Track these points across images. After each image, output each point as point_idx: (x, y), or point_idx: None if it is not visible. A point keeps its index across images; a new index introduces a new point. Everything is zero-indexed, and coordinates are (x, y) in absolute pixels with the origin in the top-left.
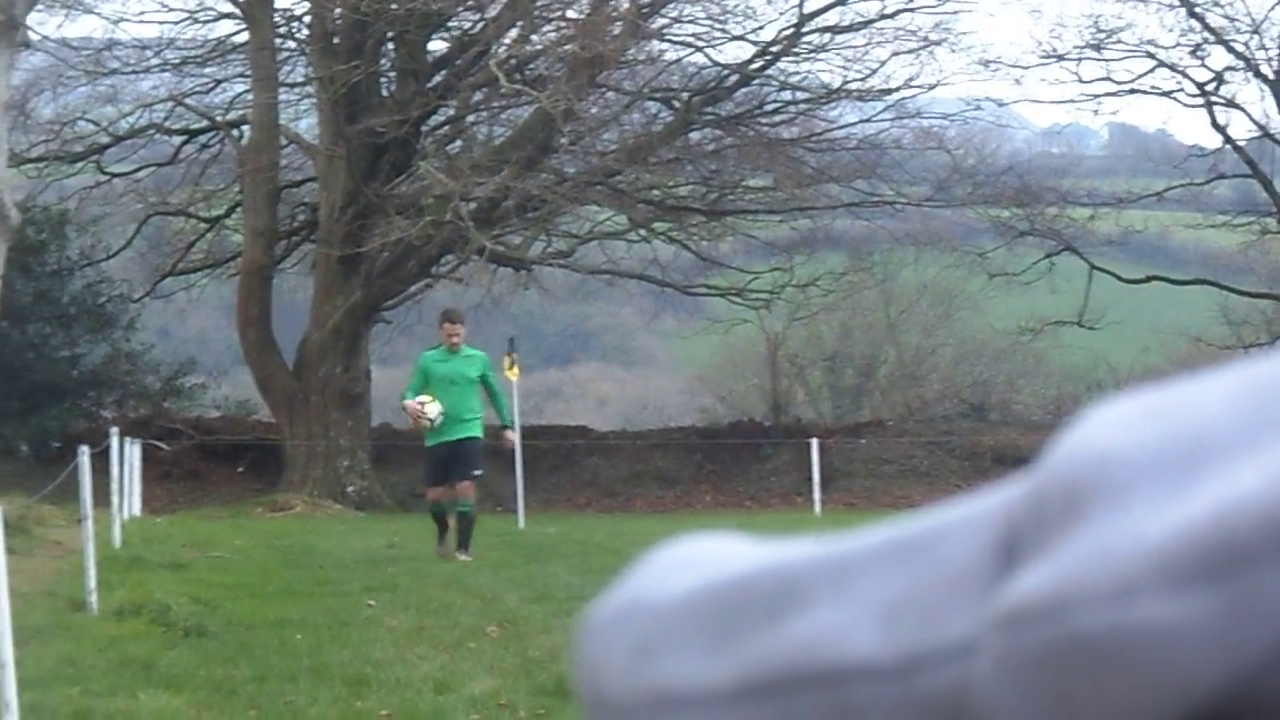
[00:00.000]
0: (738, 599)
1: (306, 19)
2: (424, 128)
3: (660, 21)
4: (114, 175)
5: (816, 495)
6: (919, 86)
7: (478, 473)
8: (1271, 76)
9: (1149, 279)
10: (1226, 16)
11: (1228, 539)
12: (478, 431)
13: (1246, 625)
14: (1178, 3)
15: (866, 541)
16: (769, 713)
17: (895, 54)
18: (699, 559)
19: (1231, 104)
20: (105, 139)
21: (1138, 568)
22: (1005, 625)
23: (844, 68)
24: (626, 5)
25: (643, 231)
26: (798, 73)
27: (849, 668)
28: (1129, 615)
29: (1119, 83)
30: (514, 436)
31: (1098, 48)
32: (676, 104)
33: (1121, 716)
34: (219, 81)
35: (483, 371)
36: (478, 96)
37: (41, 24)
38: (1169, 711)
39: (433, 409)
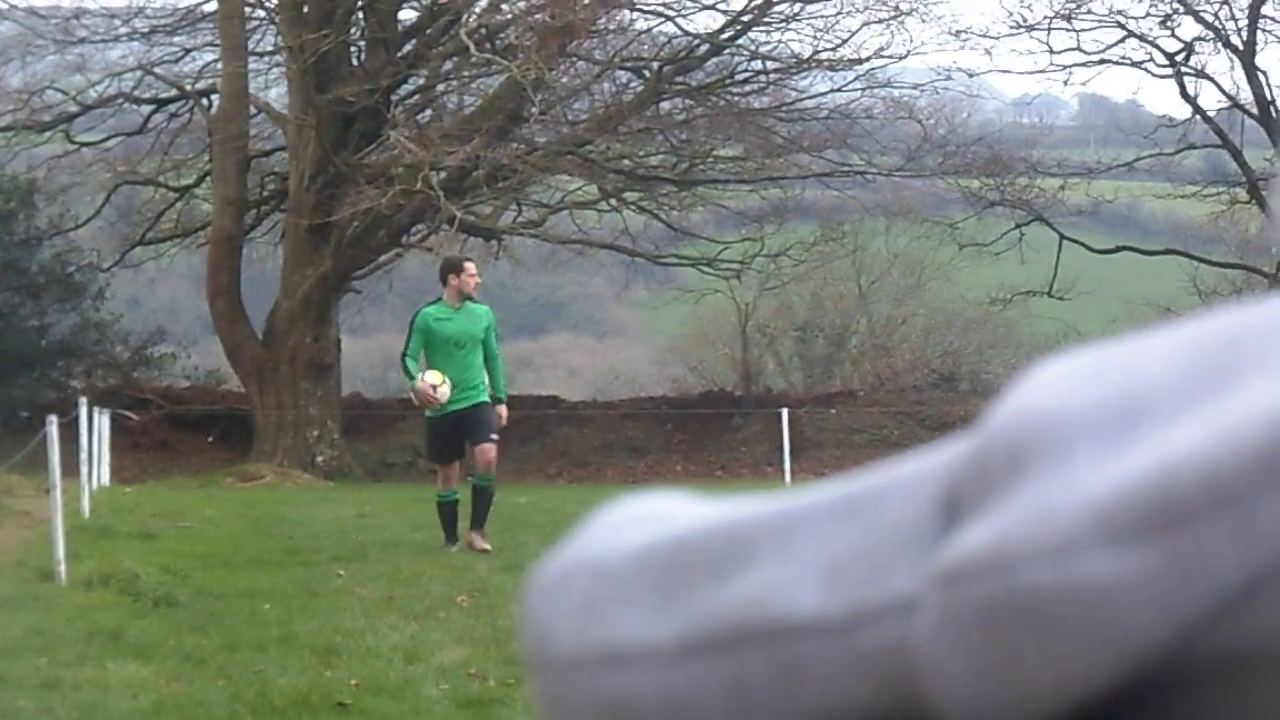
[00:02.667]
0: (684, 557)
1: None
2: (394, 97)
3: None
4: (83, 144)
5: (787, 465)
6: (890, 56)
7: (495, 436)
8: (1241, 47)
9: (1119, 249)
10: None
11: (1167, 496)
12: (487, 396)
13: (1186, 581)
14: None
15: (811, 500)
16: (715, 669)
17: (866, 24)
18: (645, 517)
19: (1201, 74)
20: (74, 108)
21: (1079, 525)
22: (947, 582)
23: (815, 37)
24: None
25: (613, 201)
26: (768, 42)
27: (793, 624)
28: (1070, 571)
29: (1089, 53)
30: (504, 412)
31: (1068, 18)
32: (647, 73)
33: (1063, 671)
34: (188, 50)
35: (488, 329)
36: (448, 66)
37: None
38: (1110, 666)
39: (445, 390)
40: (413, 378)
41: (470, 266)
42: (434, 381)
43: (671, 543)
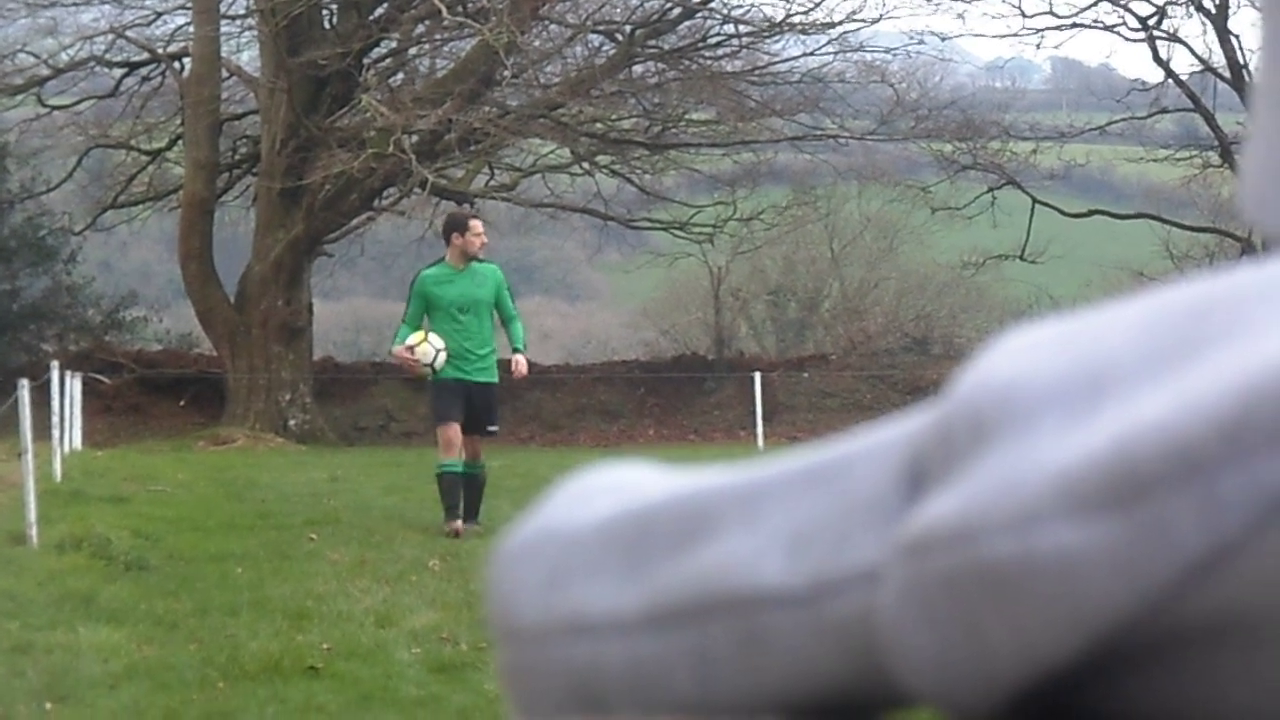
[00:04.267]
0: (649, 527)
1: None
2: (366, 60)
3: None
4: (54, 108)
5: (759, 429)
6: (862, 20)
7: (494, 429)
8: (1213, 10)
9: (1091, 213)
10: None
11: (1130, 467)
12: (495, 375)
13: (1149, 552)
14: None
15: (776, 470)
16: (680, 639)
17: None
18: (611, 488)
19: (1174, 38)
20: (45, 71)
21: (1042, 495)
22: (911, 552)
23: (787, 1)
24: None
25: (586, 165)
26: (741, 6)
27: (758, 594)
28: (1033, 542)
29: (1061, 16)
30: (524, 362)
31: None
32: (619, 37)
33: (1026, 641)
34: (160, 14)
35: (497, 291)
36: (420, 29)
37: None
38: (1074, 637)
39: (425, 350)
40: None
41: (476, 224)
42: (410, 341)
43: (637, 513)
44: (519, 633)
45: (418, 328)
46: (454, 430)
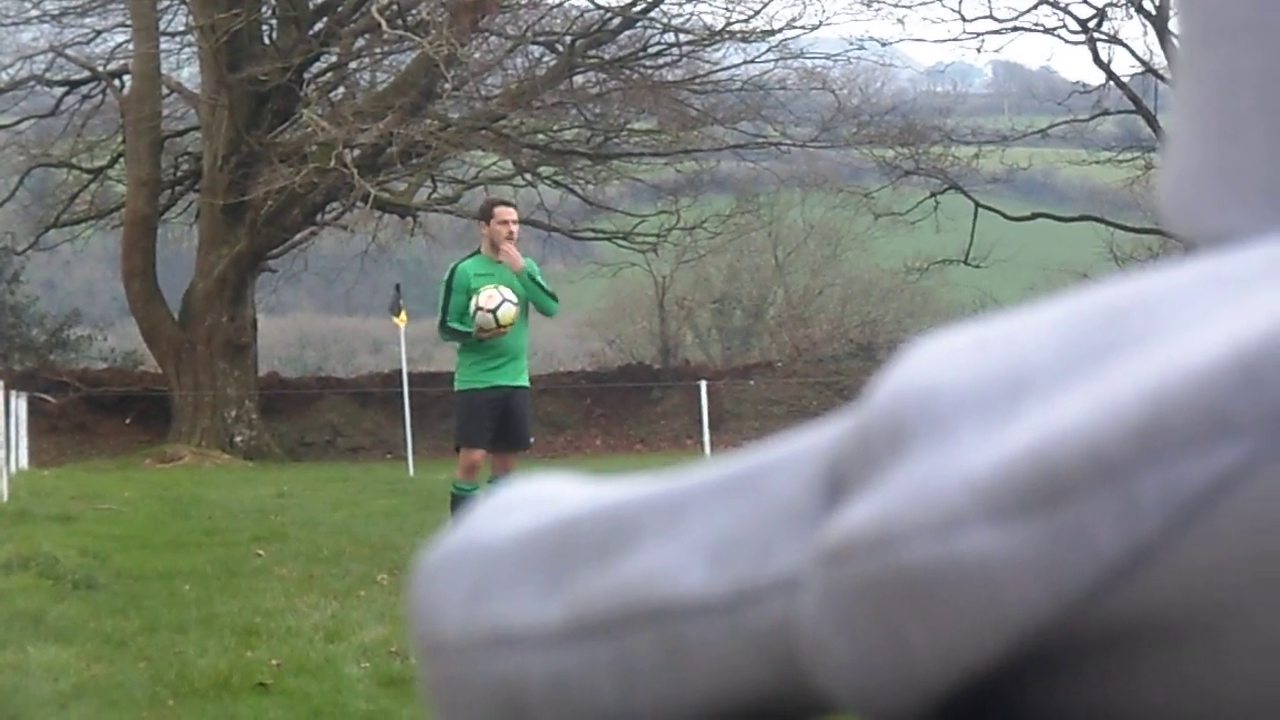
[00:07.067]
0: (570, 538)
1: None
2: (306, 75)
3: None
4: None
5: (706, 437)
6: (802, 27)
7: (532, 441)
8: (1154, 11)
9: (1034, 216)
10: None
11: (1048, 471)
12: (527, 379)
13: (1067, 556)
14: None
15: (697, 480)
16: (602, 650)
17: None
18: (533, 500)
19: (1114, 40)
20: None
21: (960, 500)
22: (830, 560)
23: (727, 9)
24: None
25: (528, 176)
26: (680, 14)
27: (679, 604)
28: (951, 547)
29: (1001, 20)
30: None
31: None
32: (560, 48)
33: (945, 647)
34: (99, 32)
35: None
36: (360, 43)
37: None
38: (992, 642)
39: (508, 302)
40: (466, 330)
41: (503, 211)
42: (485, 302)
43: (558, 524)
44: (442, 647)
45: (463, 319)
46: (478, 456)
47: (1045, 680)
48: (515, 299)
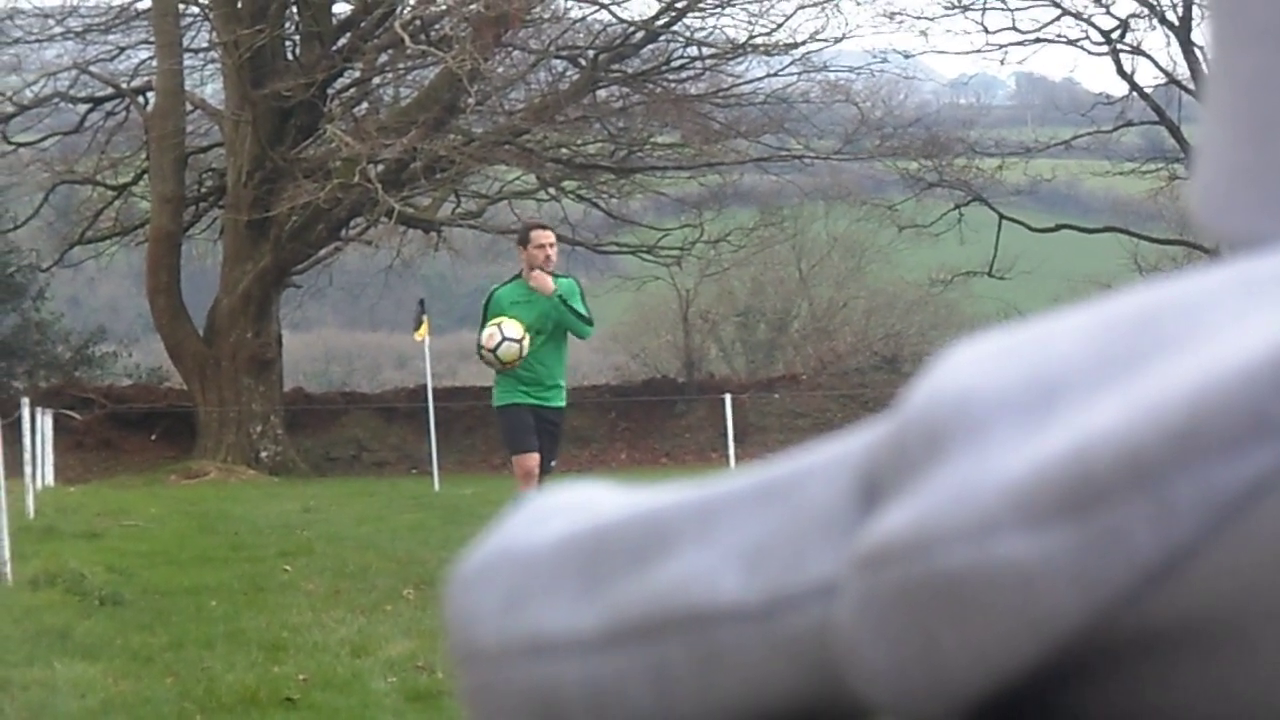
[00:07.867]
0: (605, 545)
1: None
2: (330, 91)
3: None
4: (19, 145)
5: (731, 451)
6: (825, 40)
7: (554, 464)
8: (1177, 22)
9: (1058, 228)
10: None
11: (1084, 476)
12: (564, 402)
13: (1104, 560)
14: None
15: (732, 486)
16: (637, 657)
17: (800, 7)
18: (568, 507)
19: (1137, 51)
20: (10, 108)
21: (996, 506)
22: (866, 565)
23: (749, 22)
24: None
25: (552, 190)
26: (703, 28)
27: (714, 611)
28: (988, 553)
29: (1024, 32)
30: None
31: None
32: (583, 62)
33: (982, 653)
34: (123, 49)
35: (573, 305)
36: (383, 58)
37: None
38: (1030, 647)
39: (508, 340)
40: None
41: (540, 235)
42: (489, 333)
43: (593, 532)
44: (478, 655)
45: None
46: (532, 460)
47: (1080, 684)
48: (518, 335)
